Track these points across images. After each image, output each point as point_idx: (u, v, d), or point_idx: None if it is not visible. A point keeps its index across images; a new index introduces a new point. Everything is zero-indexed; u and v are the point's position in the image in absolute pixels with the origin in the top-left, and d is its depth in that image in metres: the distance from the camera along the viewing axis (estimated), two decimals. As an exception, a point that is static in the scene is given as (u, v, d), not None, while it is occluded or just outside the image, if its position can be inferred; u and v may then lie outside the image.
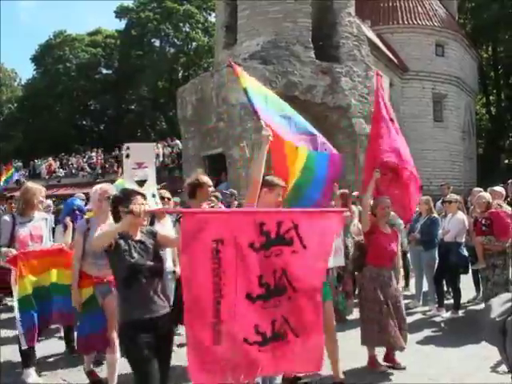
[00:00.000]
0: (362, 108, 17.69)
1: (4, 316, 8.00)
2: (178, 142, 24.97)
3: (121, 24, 49.41)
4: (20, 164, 34.51)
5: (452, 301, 8.05)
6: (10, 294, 5.85)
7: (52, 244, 5.85)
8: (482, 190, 8.58)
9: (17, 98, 56.27)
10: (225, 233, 3.17)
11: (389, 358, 5.57)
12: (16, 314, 5.07)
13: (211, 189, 5.22)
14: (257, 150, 15.22)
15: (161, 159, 26.25)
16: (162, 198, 6.39)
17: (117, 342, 4.57)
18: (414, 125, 29.84)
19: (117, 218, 3.67)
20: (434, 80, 32.68)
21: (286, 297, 3.37)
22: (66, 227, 6.56)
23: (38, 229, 5.55)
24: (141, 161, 5.98)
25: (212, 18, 45.49)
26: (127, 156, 6.09)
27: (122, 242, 3.54)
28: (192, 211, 3.57)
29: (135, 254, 3.55)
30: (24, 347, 5.11)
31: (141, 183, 5.95)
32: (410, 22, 32.64)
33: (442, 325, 7.51)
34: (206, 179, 5.12)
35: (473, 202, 8.87)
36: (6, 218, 5.56)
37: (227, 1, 19.99)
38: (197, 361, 3.10)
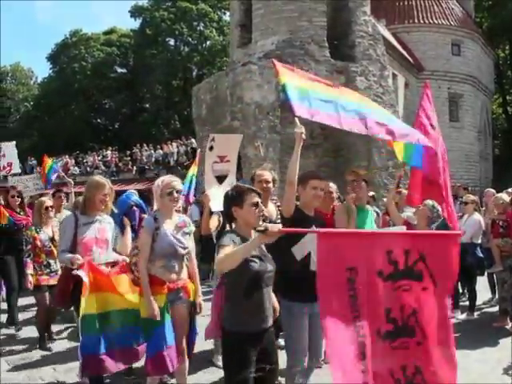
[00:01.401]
0: (377, 108, 17.60)
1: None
2: (193, 140, 25.04)
3: (135, 23, 49.77)
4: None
5: (467, 302, 7.99)
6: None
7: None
8: (494, 191, 8.52)
9: (33, 96, 56.78)
10: (357, 259, 2.77)
11: None
12: (79, 334, 4.17)
13: (270, 185, 4.99)
14: (272, 149, 15.12)
15: (175, 158, 26.37)
16: None
17: (185, 350, 4.26)
18: (428, 124, 29.57)
19: (230, 220, 3.40)
20: (450, 79, 32.45)
21: (415, 341, 2.85)
22: (123, 228, 5.43)
23: (104, 232, 4.75)
24: (224, 154, 5.48)
25: (226, 17, 45.54)
26: (211, 148, 5.54)
27: (241, 242, 3.22)
28: (328, 233, 2.98)
29: (256, 260, 3.26)
30: (79, 379, 4.32)
31: (220, 179, 5.53)
32: (426, 20, 32.43)
33: (457, 326, 7.45)
34: (257, 173, 4.98)
35: (486, 203, 8.80)
36: (69, 216, 4.88)
37: (242, 0, 20.00)
38: None
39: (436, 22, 32.49)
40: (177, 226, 4.28)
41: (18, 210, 7.56)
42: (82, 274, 4.17)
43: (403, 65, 29.83)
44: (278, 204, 5.16)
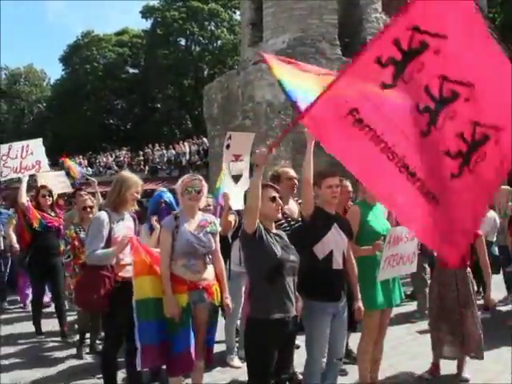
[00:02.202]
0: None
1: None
2: (204, 139, 25.10)
3: (147, 24, 49.86)
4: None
5: (482, 301, 7.93)
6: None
7: None
8: (509, 188, 8.44)
9: (46, 97, 57.16)
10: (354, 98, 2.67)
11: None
12: (135, 320, 4.07)
13: (296, 181, 4.97)
14: (283, 148, 15.07)
15: (187, 157, 26.45)
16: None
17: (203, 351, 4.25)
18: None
19: None
20: (463, 76, 32.25)
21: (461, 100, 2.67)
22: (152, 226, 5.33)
23: (131, 229, 4.63)
24: (239, 153, 5.47)
25: (237, 16, 45.51)
26: (227, 146, 5.53)
27: (265, 232, 3.39)
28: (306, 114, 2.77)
29: (279, 248, 3.41)
30: (139, 368, 4.13)
31: (236, 178, 5.46)
32: (438, 17, 32.21)
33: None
34: (282, 170, 4.95)
35: (499, 201, 8.73)
36: (103, 214, 4.53)
37: (252, -1, 20.00)
38: None
39: (448, 17, 32.27)
40: (199, 225, 4.25)
41: (49, 211, 7.10)
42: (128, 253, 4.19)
43: (415, 61, 29.72)
44: (300, 202, 5.16)
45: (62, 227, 7.08)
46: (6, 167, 7.44)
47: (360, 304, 4.30)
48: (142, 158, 30.15)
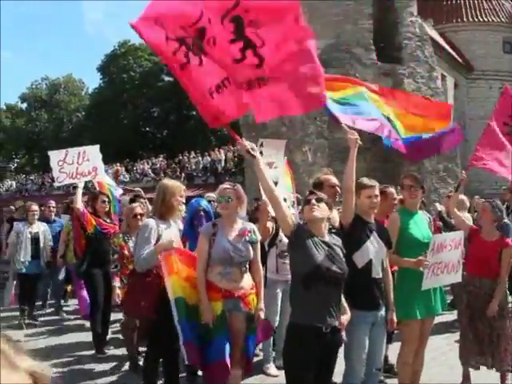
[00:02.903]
0: (426, 109, 17.27)
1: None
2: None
3: (182, 32, 50.39)
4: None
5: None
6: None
7: None
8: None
9: (84, 106, 58.34)
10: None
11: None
12: (174, 316, 4.07)
13: (338, 189, 4.91)
14: (319, 155, 15.08)
15: (223, 164, 26.61)
16: None
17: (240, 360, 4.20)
18: (479, 126, 28.78)
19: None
20: (502, 79, 31.46)
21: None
22: (192, 231, 5.33)
23: (177, 236, 4.65)
24: (272, 160, 5.39)
25: (271, 23, 45.60)
26: (260, 154, 5.24)
27: (308, 237, 3.40)
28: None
29: (321, 256, 3.37)
30: (187, 362, 4.12)
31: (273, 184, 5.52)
32: (476, 19, 31.62)
33: None
34: (324, 178, 4.92)
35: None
36: (151, 221, 4.54)
37: (287, 5, 20.01)
38: None
39: (485, 19, 31.64)
40: (238, 233, 4.24)
41: (105, 217, 6.95)
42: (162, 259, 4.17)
43: (452, 65, 29.18)
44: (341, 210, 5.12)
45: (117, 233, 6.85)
46: (62, 172, 7.23)
47: (394, 314, 4.25)
48: (177, 165, 30.44)
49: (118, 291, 5.92)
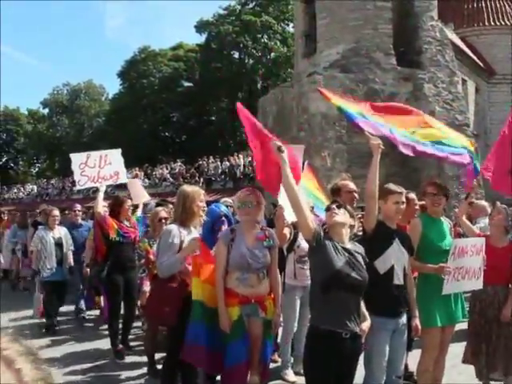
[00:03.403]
0: (446, 115, 17.10)
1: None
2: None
3: (201, 38, 50.71)
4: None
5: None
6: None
7: None
8: None
9: (104, 111, 58.94)
10: None
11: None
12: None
13: (356, 195, 4.89)
14: (338, 160, 14.99)
15: (241, 169, 26.61)
16: None
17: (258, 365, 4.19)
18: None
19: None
20: (524, 83, 31.14)
21: None
22: (213, 235, 5.20)
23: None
24: (290, 164, 5.55)
25: (290, 29, 45.70)
26: None
27: (328, 242, 3.39)
28: None
29: (341, 262, 3.36)
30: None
31: None
32: (497, 22, 31.27)
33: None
34: (342, 183, 4.91)
35: None
36: (173, 227, 4.52)
37: (306, 10, 20.00)
38: None
39: (507, 23, 31.26)
40: (255, 238, 4.23)
41: (125, 221, 6.86)
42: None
43: (473, 69, 28.89)
44: (359, 216, 5.09)
45: (137, 239, 6.86)
46: (84, 176, 7.06)
47: (417, 321, 4.21)
48: (196, 169, 30.52)
49: (146, 296, 5.90)
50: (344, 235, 3.50)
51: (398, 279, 3.98)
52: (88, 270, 8.14)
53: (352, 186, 4.99)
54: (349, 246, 3.50)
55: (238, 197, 4.31)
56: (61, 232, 8.33)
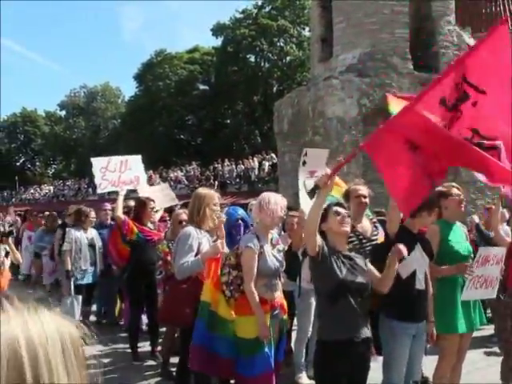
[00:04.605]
0: (463, 119, 16.99)
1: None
2: (273, 155, 25.26)
3: (217, 41, 50.93)
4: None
5: None
6: None
7: None
8: None
9: (120, 114, 59.39)
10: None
11: None
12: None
13: (366, 200, 4.83)
14: (354, 164, 14.85)
15: (256, 172, 26.69)
16: None
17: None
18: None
19: (323, 237, 3.53)
20: (542, 88, 30.87)
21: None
22: (232, 239, 5.13)
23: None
24: (314, 169, 5.38)
25: (306, 32, 45.70)
26: (304, 163, 5.47)
27: (329, 253, 3.40)
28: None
29: (344, 270, 3.36)
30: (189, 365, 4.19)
31: (312, 195, 5.53)
32: (515, 27, 31.05)
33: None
34: (352, 188, 4.88)
35: None
36: (191, 229, 4.53)
37: (322, 14, 19.98)
38: None
39: (526, 28, 31.06)
40: (272, 243, 4.27)
41: (149, 223, 6.83)
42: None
43: (491, 74, 28.73)
44: (374, 220, 5.07)
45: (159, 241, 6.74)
46: (105, 180, 7.15)
47: (433, 327, 4.21)
48: (211, 172, 30.65)
49: (161, 299, 5.89)
50: (345, 242, 3.56)
51: (420, 284, 3.99)
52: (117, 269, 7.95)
53: (362, 190, 4.96)
54: (346, 252, 3.54)
55: (259, 198, 4.27)
56: (92, 232, 7.98)
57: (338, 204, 3.68)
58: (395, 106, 4.60)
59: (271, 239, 4.29)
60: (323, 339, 3.42)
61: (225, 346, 4.10)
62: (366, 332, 3.43)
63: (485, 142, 2.84)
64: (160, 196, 7.75)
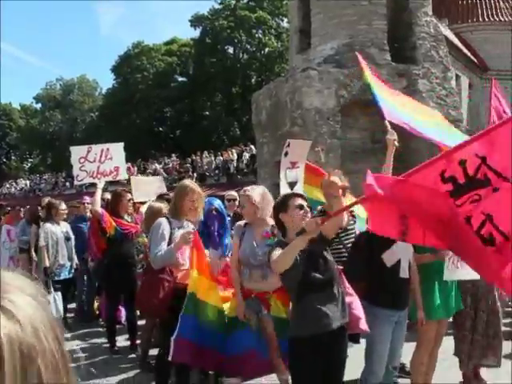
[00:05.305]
0: (440, 110, 17.12)
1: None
2: (252, 146, 25.23)
3: (195, 32, 50.60)
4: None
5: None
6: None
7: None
8: None
9: (98, 106, 58.72)
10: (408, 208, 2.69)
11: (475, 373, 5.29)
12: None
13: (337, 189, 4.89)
14: (332, 155, 14.94)
15: (235, 164, 26.63)
16: None
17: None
18: (495, 126, 28.59)
19: (280, 228, 3.58)
20: (517, 79, 31.23)
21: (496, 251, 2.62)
22: (206, 231, 5.27)
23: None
24: (295, 160, 5.43)
25: (284, 24, 45.69)
26: (286, 154, 5.49)
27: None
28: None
29: (304, 265, 3.30)
30: (170, 358, 4.13)
31: (292, 186, 5.44)
32: (491, 18, 31.33)
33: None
34: (325, 180, 4.83)
35: None
36: (162, 220, 4.60)
37: (300, 5, 19.96)
38: None
39: (501, 19, 31.33)
40: (261, 235, 4.27)
41: (126, 216, 6.74)
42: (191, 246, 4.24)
43: (467, 65, 28.96)
44: (353, 212, 5.08)
45: (136, 234, 6.72)
46: (83, 171, 6.86)
47: (422, 313, 4.28)
48: (190, 164, 30.51)
49: None
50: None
51: (404, 272, 4.05)
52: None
53: (337, 181, 4.94)
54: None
55: (242, 193, 4.45)
56: (66, 226, 7.79)
57: (299, 195, 3.66)
58: (371, 77, 4.58)
59: (263, 231, 4.29)
60: (293, 335, 3.43)
61: (213, 338, 4.14)
62: (339, 321, 3.37)
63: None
64: (151, 188, 7.69)
